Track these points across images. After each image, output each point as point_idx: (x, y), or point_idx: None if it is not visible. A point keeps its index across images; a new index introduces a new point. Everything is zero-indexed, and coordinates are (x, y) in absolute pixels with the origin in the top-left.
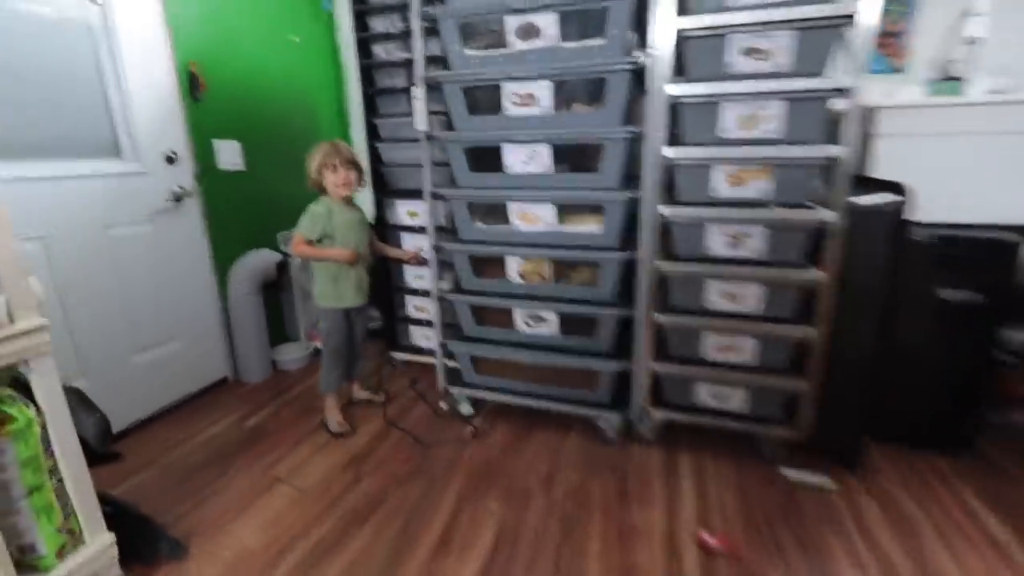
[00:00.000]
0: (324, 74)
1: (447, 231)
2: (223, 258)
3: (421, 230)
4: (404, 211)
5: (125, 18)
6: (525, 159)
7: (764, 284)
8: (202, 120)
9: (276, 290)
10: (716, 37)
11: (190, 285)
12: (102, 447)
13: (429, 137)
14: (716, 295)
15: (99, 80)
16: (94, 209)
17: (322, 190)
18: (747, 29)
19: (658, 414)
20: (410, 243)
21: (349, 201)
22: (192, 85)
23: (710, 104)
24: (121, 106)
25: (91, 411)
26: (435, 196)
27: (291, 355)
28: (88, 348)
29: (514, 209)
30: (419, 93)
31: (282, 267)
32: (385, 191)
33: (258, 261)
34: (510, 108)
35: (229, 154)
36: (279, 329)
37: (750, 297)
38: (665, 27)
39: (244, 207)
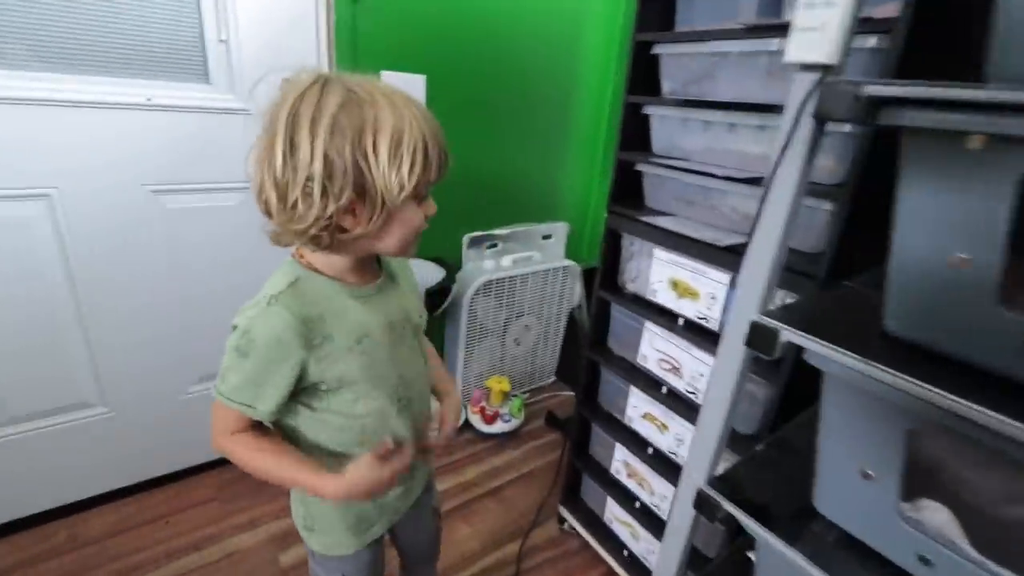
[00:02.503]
0: None
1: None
2: None
3: (690, 330)
4: (665, 276)
5: None
6: None
7: None
8: (363, 33)
9: (429, 318)
10: None
11: None
12: None
13: (853, 116)
14: None
15: None
16: (142, 161)
17: (293, 235)
18: None
19: None
20: (656, 347)
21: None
22: None
23: None
24: None
25: None
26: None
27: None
28: (116, 366)
29: None
30: None
31: (445, 291)
32: (634, 219)
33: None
34: None
35: None
36: None
37: None
38: None
39: None
